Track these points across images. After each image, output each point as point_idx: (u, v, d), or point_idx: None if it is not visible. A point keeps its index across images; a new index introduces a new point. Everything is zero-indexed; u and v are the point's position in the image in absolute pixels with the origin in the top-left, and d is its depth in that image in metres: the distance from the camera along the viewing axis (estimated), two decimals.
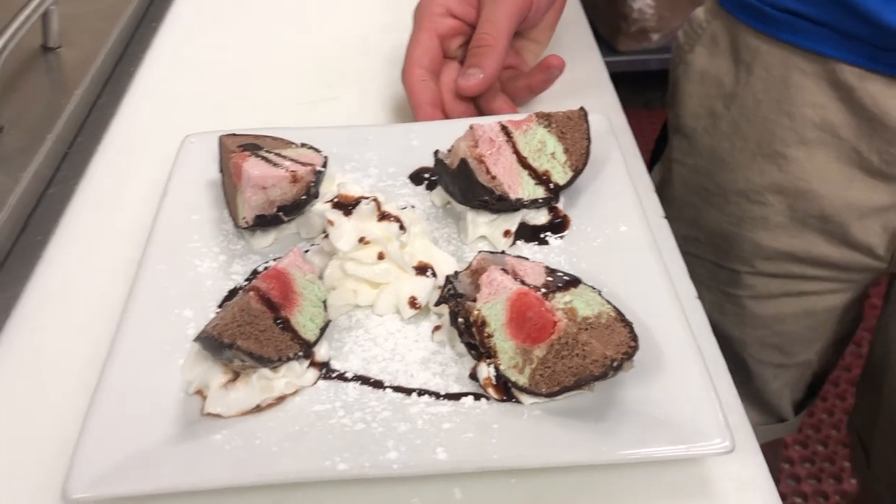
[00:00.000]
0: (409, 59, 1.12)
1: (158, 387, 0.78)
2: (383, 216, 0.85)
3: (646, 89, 4.15)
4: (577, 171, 0.95)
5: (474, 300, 0.79)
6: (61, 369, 0.85)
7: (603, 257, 0.89)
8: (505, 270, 0.79)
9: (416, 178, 1.03)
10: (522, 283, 0.77)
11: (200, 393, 0.77)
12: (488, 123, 0.93)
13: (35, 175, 1.06)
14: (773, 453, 1.56)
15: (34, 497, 0.74)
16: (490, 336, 0.77)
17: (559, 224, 0.95)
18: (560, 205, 0.96)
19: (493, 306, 0.77)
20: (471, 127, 0.93)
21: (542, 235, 0.94)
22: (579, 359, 0.72)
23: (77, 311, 0.92)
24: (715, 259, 1.35)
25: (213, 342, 0.73)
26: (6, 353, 0.88)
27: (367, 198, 0.86)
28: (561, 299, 0.76)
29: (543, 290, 0.76)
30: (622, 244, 0.90)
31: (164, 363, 0.80)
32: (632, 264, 0.87)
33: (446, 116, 1.11)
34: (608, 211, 0.94)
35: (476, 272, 0.82)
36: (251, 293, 0.78)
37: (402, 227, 0.85)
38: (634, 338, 0.74)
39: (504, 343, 0.76)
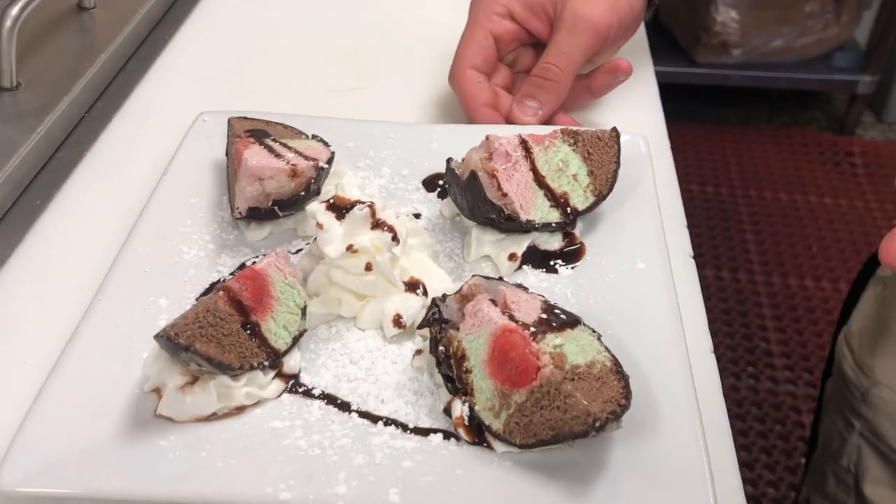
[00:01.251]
0: (461, 58, 1.05)
1: (116, 379, 0.73)
2: (377, 224, 0.79)
3: (721, 105, 4.00)
4: (600, 197, 0.87)
5: (459, 329, 0.72)
6: (28, 348, 0.82)
7: (613, 295, 0.82)
8: (494, 301, 0.72)
9: (430, 183, 0.97)
10: (511, 317, 0.70)
11: (158, 392, 0.73)
12: (506, 136, 0.86)
13: (45, 136, 1.03)
14: None
15: None
16: (468, 371, 0.70)
17: (573, 252, 0.87)
18: (577, 231, 0.88)
19: (475, 339, 0.70)
20: (487, 137, 0.86)
21: (552, 262, 0.86)
22: (559, 412, 0.65)
23: (58, 286, 0.88)
24: None
25: (169, 343, 0.68)
26: None
27: (362, 202, 0.80)
28: (551, 341, 0.69)
29: (533, 328, 0.69)
30: (636, 283, 0.82)
31: (127, 354, 0.75)
32: (643, 307, 0.79)
33: (507, 120, 1.04)
34: (627, 244, 0.86)
35: (466, 298, 0.75)
36: (221, 293, 0.72)
37: (395, 238, 0.79)
38: (627, 395, 0.66)
39: (482, 381, 0.69)
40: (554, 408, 0.65)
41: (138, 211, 0.90)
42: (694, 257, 0.92)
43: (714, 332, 0.86)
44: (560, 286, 0.84)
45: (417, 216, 0.92)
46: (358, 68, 1.22)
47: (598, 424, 0.63)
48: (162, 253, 0.85)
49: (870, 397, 1.11)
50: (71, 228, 0.95)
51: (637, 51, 1.26)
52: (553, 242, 0.87)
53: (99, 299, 0.79)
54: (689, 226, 0.96)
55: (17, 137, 1.00)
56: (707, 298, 0.88)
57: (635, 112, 1.13)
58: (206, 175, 0.95)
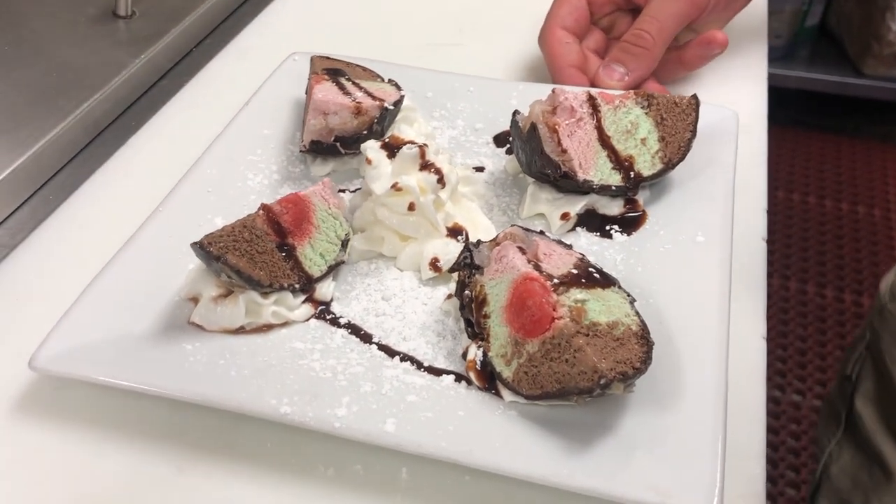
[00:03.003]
0: (552, 17, 1.03)
1: (161, 284, 0.77)
2: (425, 165, 0.79)
3: (887, 121, 3.71)
4: (669, 165, 0.83)
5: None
6: (95, 248, 0.86)
7: (663, 266, 0.78)
8: (522, 250, 0.70)
9: (501, 139, 0.95)
10: (536, 267, 0.68)
11: (195, 300, 0.76)
12: (573, 91, 0.83)
13: (150, 62, 1.09)
14: None
15: (9, 359, 0.74)
16: (487, 317, 0.68)
17: (632, 220, 0.83)
18: (641, 198, 0.84)
19: (496, 284, 0.69)
20: (553, 91, 0.83)
21: (608, 227, 0.83)
22: (567, 365, 0.62)
23: (135, 198, 0.93)
24: None
25: (202, 251, 0.70)
26: (64, 216, 0.90)
27: (413, 143, 0.79)
28: (574, 296, 0.66)
29: (557, 281, 0.67)
30: (691, 256, 0.78)
31: (174, 264, 0.78)
32: (690, 281, 0.75)
33: (592, 84, 1.01)
34: (691, 216, 0.82)
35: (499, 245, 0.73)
36: (260, 212, 0.74)
37: (440, 181, 0.78)
38: (645, 360, 0.63)
39: (498, 328, 0.67)
40: (562, 360, 0.63)
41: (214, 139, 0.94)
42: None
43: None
44: (611, 251, 0.81)
45: (481, 169, 0.91)
46: (457, 24, 1.22)
47: (603, 382, 0.60)
48: (228, 176, 0.88)
49: (885, 312, 1.06)
50: (155, 150, 1.00)
51: (752, 31, 1.19)
52: (613, 207, 0.84)
53: (160, 210, 0.83)
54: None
55: (124, 60, 1.06)
56: (769, 306, 0.81)
57: (736, 93, 1.07)
58: (285, 110, 0.98)
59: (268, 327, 0.74)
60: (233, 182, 0.88)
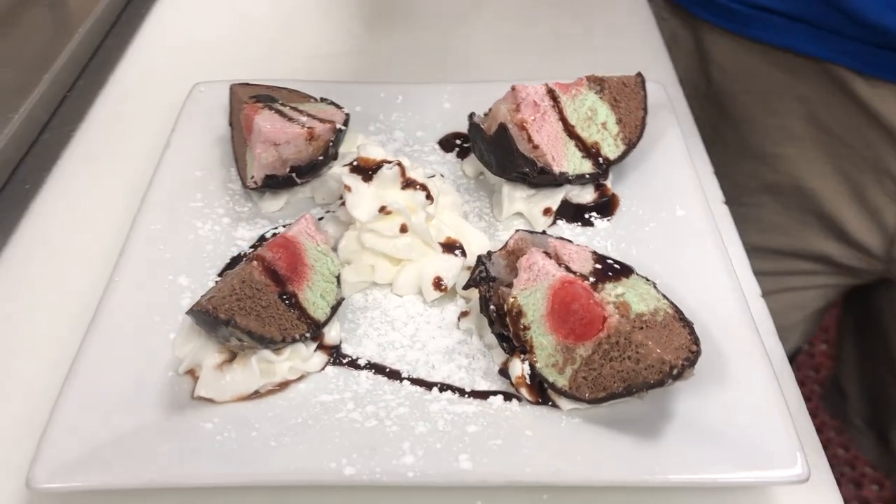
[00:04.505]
0: None
1: (145, 363, 0.68)
2: (408, 183, 0.75)
3: None
4: (631, 145, 0.84)
5: (509, 285, 0.69)
6: (38, 338, 0.76)
7: (657, 244, 0.79)
8: (547, 254, 0.68)
9: (447, 144, 0.93)
10: (567, 269, 0.67)
11: (192, 373, 0.68)
12: (533, 86, 0.82)
13: (28, 118, 0.96)
14: None
15: None
16: (526, 328, 0.66)
17: (606, 204, 0.84)
18: (608, 182, 0.85)
19: (531, 294, 0.66)
20: (513, 88, 0.82)
21: (586, 216, 0.83)
22: (632, 362, 0.61)
23: (63, 271, 0.82)
24: None
25: (208, 317, 0.63)
26: None
27: (389, 162, 0.75)
28: (612, 291, 0.65)
29: (592, 278, 0.66)
30: (679, 230, 0.79)
31: (152, 336, 0.70)
32: (691, 254, 0.77)
33: None
34: (664, 192, 0.83)
35: (513, 253, 0.71)
36: (254, 263, 0.68)
37: (428, 197, 0.75)
38: (696, 340, 0.64)
39: (542, 338, 0.66)
40: (625, 358, 0.62)
41: (139, 188, 0.84)
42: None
43: None
44: (598, 239, 0.81)
45: (441, 177, 0.88)
46: (351, 30, 1.17)
47: (675, 372, 0.60)
48: (175, 229, 0.80)
49: None
50: (67, 210, 0.89)
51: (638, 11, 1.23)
52: (585, 195, 0.84)
53: (116, 280, 0.73)
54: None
55: None
56: None
57: (643, 63, 1.10)
58: (209, 148, 0.90)
59: (284, 385, 0.68)
60: (183, 235, 0.80)
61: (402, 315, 0.74)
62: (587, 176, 0.82)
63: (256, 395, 0.67)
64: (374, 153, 0.77)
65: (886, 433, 1.34)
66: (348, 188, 0.74)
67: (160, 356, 0.69)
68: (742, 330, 0.69)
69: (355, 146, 0.88)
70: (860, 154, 1.04)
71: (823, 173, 1.09)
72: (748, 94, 1.11)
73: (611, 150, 0.83)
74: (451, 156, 0.91)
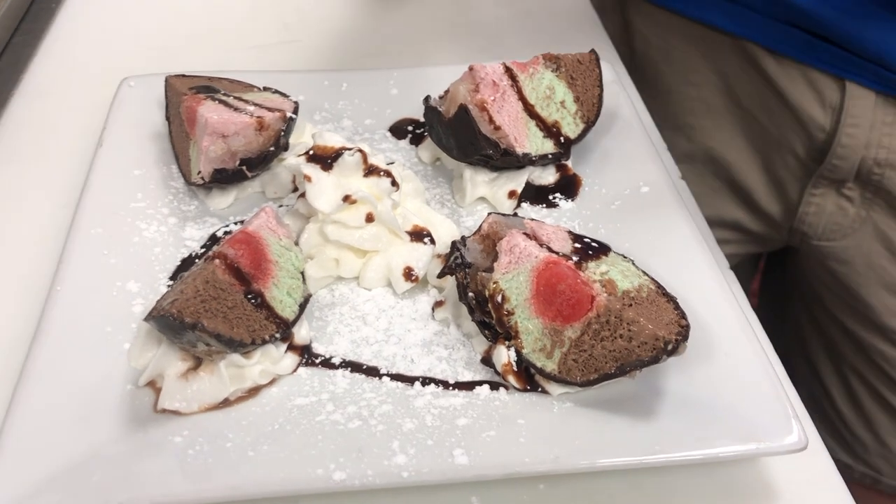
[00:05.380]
0: None
1: (99, 378, 0.62)
2: (371, 170, 0.71)
3: None
4: (589, 123, 0.83)
5: (487, 270, 0.66)
6: None
7: (625, 222, 0.77)
8: (528, 235, 0.66)
9: (399, 130, 0.89)
10: (549, 249, 0.65)
11: (153, 385, 0.63)
12: (490, 65, 0.80)
13: None
14: None
15: None
16: (511, 313, 0.64)
17: (569, 184, 0.82)
18: (569, 162, 0.83)
19: (514, 278, 0.64)
20: (470, 68, 0.79)
21: (550, 197, 0.81)
22: (624, 341, 0.60)
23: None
24: None
25: (173, 322, 0.58)
26: None
27: (349, 148, 0.71)
28: (596, 269, 0.63)
29: (574, 258, 0.64)
30: (646, 207, 0.78)
31: (105, 348, 0.64)
32: (661, 230, 0.75)
33: None
34: (626, 169, 0.82)
35: (488, 237, 0.69)
36: (217, 261, 0.63)
37: (394, 184, 0.71)
38: (683, 315, 0.62)
39: (528, 322, 0.63)
40: (617, 337, 0.60)
41: (73, 192, 0.78)
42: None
43: None
44: (565, 219, 0.79)
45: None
46: (282, 20, 1.12)
47: (670, 347, 0.58)
48: (118, 233, 0.74)
49: None
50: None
51: None
52: (547, 176, 0.82)
53: (58, 290, 0.67)
54: None
55: None
56: None
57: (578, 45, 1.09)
58: (146, 145, 0.84)
59: (254, 391, 0.63)
60: (127, 238, 0.74)
61: (373, 309, 0.70)
62: (549, 156, 0.80)
63: (226, 403, 0.62)
64: (332, 140, 0.73)
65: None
66: (308, 178, 0.70)
67: (115, 369, 0.63)
68: (722, 302, 0.68)
69: (304, 136, 0.84)
70: (768, 130, 1.07)
71: (736, 145, 1.11)
72: (669, 65, 1.12)
73: (571, 128, 0.82)
74: (405, 143, 0.88)
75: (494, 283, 0.64)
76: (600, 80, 0.84)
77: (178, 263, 0.73)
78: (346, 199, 0.69)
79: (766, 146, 1.09)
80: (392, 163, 0.78)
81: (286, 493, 0.55)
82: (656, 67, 1.15)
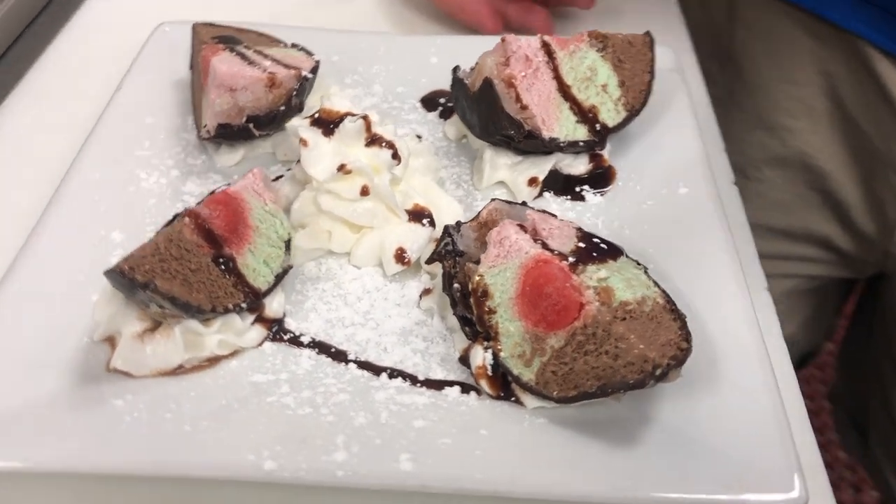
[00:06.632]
0: None
1: (59, 327, 0.60)
2: (373, 140, 0.66)
3: None
4: (633, 112, 0.75)
5: (478, 261, 0.60)
6: None
7: (653, 225, 0.69)
8: (523, 227, 0.59)
9: (430, 102, 0.83)
10: (544, 246, 0.58)
11: (111, 341, 0.60)
12: (526, 38, 0.73)
13: None
14: None
15: None
16: (492, 312, 0.57)
17: (601, 176, 0.74)
18: (605, 152, 0.75)
19: (500, 273, 0.58)
20: (503, 40, 0.72)
21: (577, 189, 0.74)
22: (609, 358, 0.53)
23: None
24: None
25: (123, 279, 0.55)
26: None
27: (354, 115, 0.66)
28: (594, 274, 0.56)
29: (572, 258, 0.57)
30: (680, 210, 0.70)
31: (73, 297, 0.62)
32: (690, 238, 0.67)
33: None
34: (666, 166, 0.74)
35: (485, 225, 0.62)
36: (186, 220, 0.59)
37: (395, 157, 0.66)
38: (687, 337, 0.54)
39: (509, 323, 0.57)
40: (602, 353, 0.53)
41: (87, 132, 0.76)
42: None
43: None
44: (589, 215, 0.71)
45: (417, 138, 0.79)
46: None
47: (658, 372, 0.51)
48: (115, 179, 0.71)
49: None
50: (9, 154, 0.81)
51: None
52: (578, 165, 0.75)
53: (38, 233, 0.65)
54: None
55: None
56: None
57: (652, 25, 1.00)
58: (167, 92, 0.81)
59: (213, 361, 0.59)
60: (123, 186, 0.71)
61: (357, 289, 0.65)
62: (581, 143, 0.73)
63: (180, 370, 0.58)
64: (339, 105, 0.68)
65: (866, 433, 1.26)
66: (304, 142, 0.65)
67: (80, 320, 0.61)
68: (742, 327, 0.60)
69: (330, 97, 0.79)
70: (872, 140, 0.97)
71: (835, 154, 1.02)
72: (770, 57, 1.03)
73: (610, 115, 0.74)
74: (434, 115, 0.82)
75: (479, 275, 0.58)
76: (652, 66, 0.76)
77: (171, 218, 0.69)
78: (342, 168, 0.64)
79: (868, 158, 0.99)
80: (408, 135, 0.72)
81: (206, 476, 0.51)
82: (755, 59, 1.06)
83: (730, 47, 1.08)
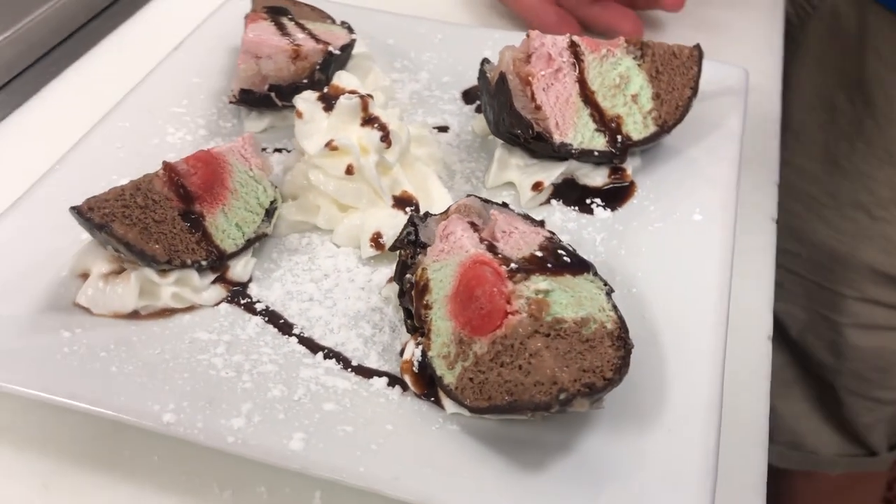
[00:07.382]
0: None
1: (46, 258, 0.63)
2: (368, 120, 0.65)
3: None
4: (663, 128, 0.69)
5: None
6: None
7: (652, 249, 0.64)
8: (474, 225, 0.56)
9: (470, 95, 0.81)
10: (491, 247, 0.55)
11: (84, 277, 0.62)
12: (553, 36, 0.69)
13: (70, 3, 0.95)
14: (865, 488, 1.32)
15: None
16: (428, 307, 0.55)
17: (618, 192, 0.70)
18: (629, 167, 0.70)
19: (441, 269, 0.55)
20: (528, 35, 0.69)
21: (588, 201, 0.69)
22: (521, 373, 0.49)
23: (49, 149, 0.80)
24: (816, 278, 1.11)
25: (82, 218, 0.57)
26: None
27: (354, 92, 0.66)
28: (534, 285, 0.53)
29: (515, 265, 0.53)
30: (686, 237, 0.64)
31: (67, 233, 0.65)
32: (685, 267, 0.62)
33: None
34: (688, 190, 0.68)
35: None
36: (160, 172, 0.61)
37: (385, 139, 0.64)
38: (619, 369, 0.50)
39: (441, 322, 0.54)
40: (515, 366, 0.49)
41: None
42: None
43: None
44: (590, 230, 0.67)
45: (445, 129, 0.77)
46: None
47: (563, 397, 0.47)
48: (143, 130, 0.75)
49: None
50: (76, 95, 0.87)
51: None
52: (596, 177, 0.70)
53: (57, 168, 0.69)
54: None
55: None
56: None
57: (745, 47, 0.93)
58: (220, 56, 0.84)
59: (168, 313, 0.61)
60: (148, 137, 0.74)
61: (328, 266, 0.65)
62: (597, 153, 0.68)
63: (136, 316, 0.60)
64: (347, 82, 0.68)
65: None
66: (299, 114, 0.66)
67: (66, 254, 0.64)
68: (707, 369, 0.54)
69: (367, 79, 0.79)
70: None
71: None
72: None
73: (636, 128, 0.69)
74: (470, 109, 0.80)
75: (423, 268, 0.56)
76: (695, 82, 0.70)
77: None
78: (329, 144, 0.64)
79: None
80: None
81: (111, 416, 0.52)
82: (888, 91, 0.97)
83: (859, 77, 0.99)
